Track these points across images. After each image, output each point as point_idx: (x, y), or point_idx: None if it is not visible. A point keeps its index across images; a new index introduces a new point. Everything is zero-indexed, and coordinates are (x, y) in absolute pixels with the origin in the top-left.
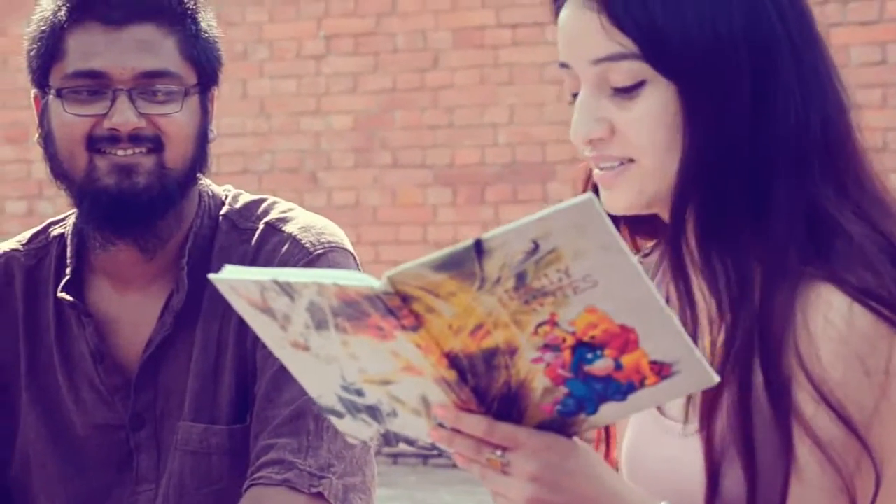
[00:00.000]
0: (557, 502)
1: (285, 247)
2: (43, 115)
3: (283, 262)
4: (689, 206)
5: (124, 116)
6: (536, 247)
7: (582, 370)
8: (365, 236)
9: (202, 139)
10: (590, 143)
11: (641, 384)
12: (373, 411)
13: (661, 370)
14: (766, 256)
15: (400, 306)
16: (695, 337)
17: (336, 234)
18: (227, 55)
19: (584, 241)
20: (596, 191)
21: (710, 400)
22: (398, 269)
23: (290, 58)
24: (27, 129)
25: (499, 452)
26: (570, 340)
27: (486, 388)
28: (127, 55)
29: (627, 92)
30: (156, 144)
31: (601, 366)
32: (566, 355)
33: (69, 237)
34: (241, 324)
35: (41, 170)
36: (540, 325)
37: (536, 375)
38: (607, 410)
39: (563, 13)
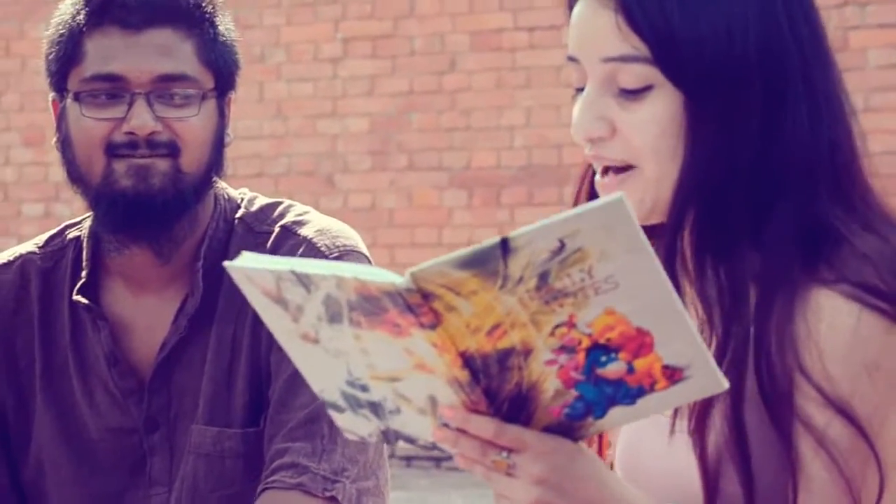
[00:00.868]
0: None
1: (301, 250)
2: (61, 118)
3: None
4: (686, 215)
5: (142, 120)
6: (562, 246)
7: (594, 373)
8: (381, 239)
9: (218, 143)
10: (590, 140)
11: (651, 388)
12: (375, 408)
13: (673, 375)
14: (764, 267)
15: (420, 303)
16: None
17: (351, 237)
18: (244, 58)
19: (611, 241)
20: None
21: (703, 407)
22: (421, 265)
23: (307, 61)
24: (45, 131)
25: (505, 454)
26: (586, 342)
27: (497, 389)
28: (145, 59)
29: (633, 94)
30: (172, 149)
31: (614, 369)
32: (580, 357)
33: (85, 240)
34: (256, 327)
35: (58, 173)
36: (557, 326)
37: (548, 378)
38: (615, 414)
39: (578, 7)
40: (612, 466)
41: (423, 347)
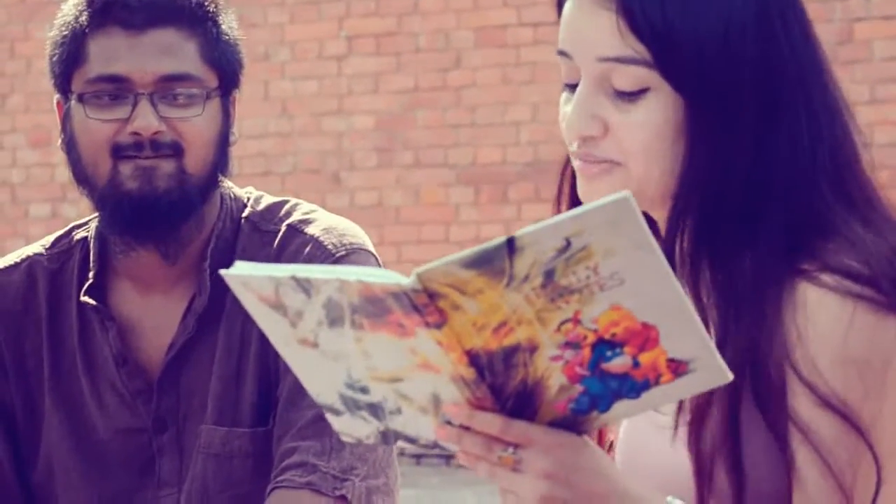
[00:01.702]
0: (569, 499)
1: (308, 248)
2: (65, 120)
3: (307, 264)
4: (686, 218)
5: (146, 120)
6: (568, 244)
7: (599, 367)
8: (388, 236)
9: (223, 143)
10: (581, 139)
11: (657, 382)
12: (374, 409)
13: (678, 368)
14: (754, 266)
15: (426, 303)
16: None
17: (358, 235)
18: (248, 57)
19: (617, 238)
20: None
21: (701, 405)
22: (427, 266)
23: (312, 58)
24: (50, 132)
25: (510, 449)
26: (591, 338)
27: (502, 385)
28: (148, 59)
29: (629, 96)
30: (176, 150)
31: (619, 363)
32: (586, 353)
33: (92, 241)
34: None
35: (64, 173)
36: (563, 322)
37: (554, 373)
38: (620, 408)
39: (571, 3)
40: None
41: (428, 346)
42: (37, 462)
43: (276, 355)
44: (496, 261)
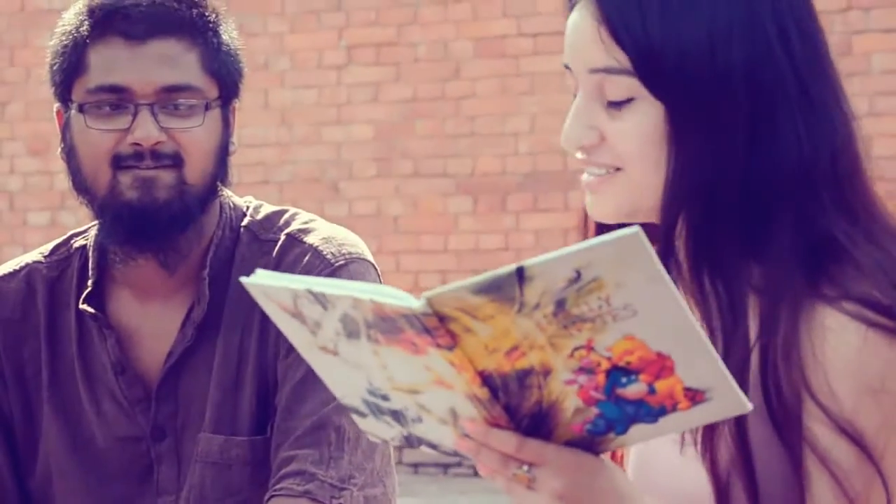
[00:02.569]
0: None
1: (306, 258)
2: (65, 129)
3: (305, 273)
4: (676, 226)
5: (146, 131)
6: (579, 275)
7: (615, 393)
8: (386, 245)
9: (223, 152)
10: (581, 148)
11: (673, 408)
12: (397, 415)
13: (695, 396)
14: (768, 282)
15: (437, 326)
16: None
17: (357, 244)
18: (248, 66)
19: (628, 272)
20: None
21: (708, 430)
22: (437, 290)
23: (312, 68)
24: (49, 141)
25: (525, 467)
26: (606, 365)
27: (517, 405)
28: (149, 69)
29: (618, 105)
30: (176, 161)
31: (635, 390)
32: (600, 378)
33: (91, 249)
34: (262, 335)
35: (63, 181)
36: (576, 349)
37: (569, 396)
38: (637, 431)
39: (571, 16)
40: None
41: (441, 365)
42: (35, 469)
43: (275, 364)
44: (506, 288)
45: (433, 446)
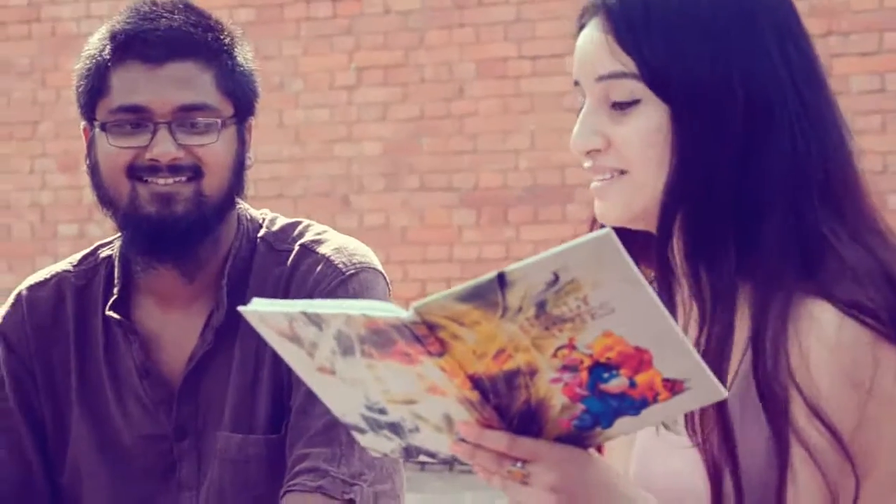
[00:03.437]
0: None
1: (319, 267)
2: (90, 146)
3: (317, 282)
4: (674, 222)
5: (164, 148)
6: (556, 278)
7: (598, 388)
8: (394, 256)
9: (239, 166)
10: (588, 154)
11: (654, 399)
12: (395, 428)
13: (674, 387)
14: (759, 276)
15: (426, 334)
16: None
17: (367, 255)
18: (263, 87)
19: (602, 272)
20: None
21: (704, 414)
22: (424, 300)
23: (324, 89)
24: (78, 157)
25: (519, 464)
26: (588, 362)
27: (507, 405)
28: (166, 91)
29: (623, 107)
30: (195, 172)
31: (616, 384)
32: (583, 375)
33: (116, 259)
34: None
35: (91, 195)
36: (559, 348)
37: (555, 394)
38: (622, 424)
39: (581, 35)
40: None
41: (433, 372)
42: (65, 466)
43: (289, 368)
44: (489, 294)
45: (431, 455)
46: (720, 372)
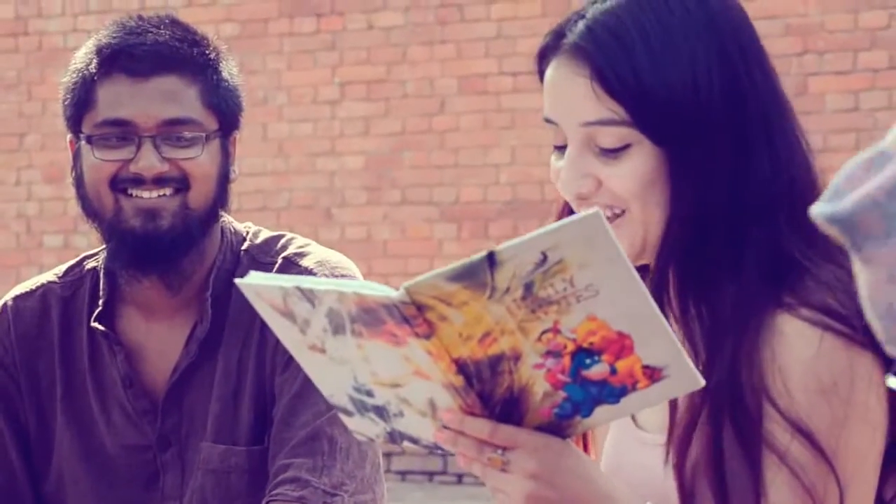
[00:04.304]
0: (553, 498)
1: None
2: (76, 158)
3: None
4: (674, 256)
5: (148, 162)
6: (545, 258)
7: (580, 375)
8: (376, 269)
9: (224, 179)
10: (579, 196)
11: (634, 387)
12: (380, 411)
13: (653, 374)
14: (736, 298)
15: (415, 315)
16: None
17: (349, 267)
18: (248, 101)
19: (590, 252)
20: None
21: (686, 429)
22: (415, 280)
23: (307, 103)
24: (64, 169)
25: (499, 452)
26: (571, 347)
27: (490, 392)
28: (151, 105)
29: (613, 152)
30: (180, 185)
31: (598, 370)
32: (566, 361)
33: (101, 270)
34: (260, 352)
35: (76, 207)
36: (544, 332)
37: (537, 380)
38: (601, 413)
39: (551, 73)
40: None
41: (419, 355)
42: (49, 474)
43: (272, 379)
44: (478, 274)
45: (414, 441)
46: (722, 413)
